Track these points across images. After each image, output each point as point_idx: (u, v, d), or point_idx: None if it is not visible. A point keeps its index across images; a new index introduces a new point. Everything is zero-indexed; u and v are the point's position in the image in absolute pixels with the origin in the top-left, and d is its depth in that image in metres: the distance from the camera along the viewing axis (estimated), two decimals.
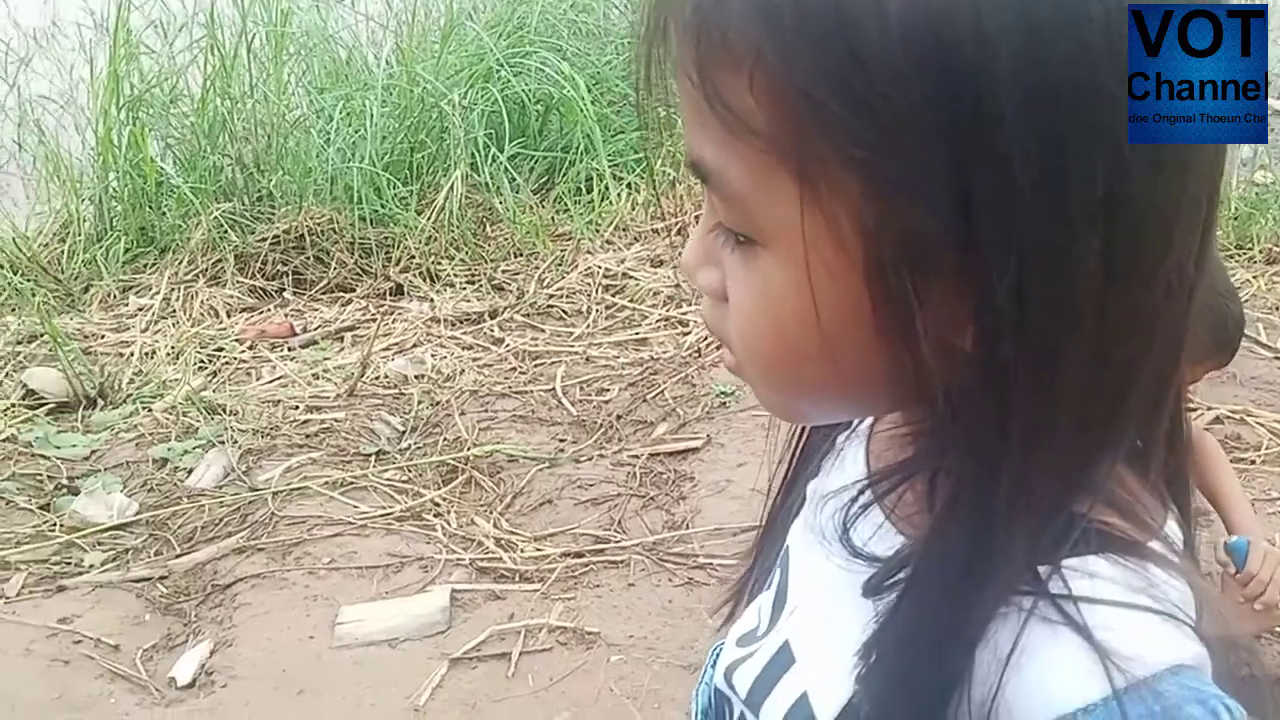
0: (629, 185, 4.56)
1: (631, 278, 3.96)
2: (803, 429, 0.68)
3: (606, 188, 4.48)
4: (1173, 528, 0.53)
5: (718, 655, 0.69)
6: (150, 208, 4.19)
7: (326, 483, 2.74)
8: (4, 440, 2.92)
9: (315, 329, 3.68)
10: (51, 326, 3.26)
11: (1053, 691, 0.45)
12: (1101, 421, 0.47)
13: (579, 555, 2.49)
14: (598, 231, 4.32)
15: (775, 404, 0.54)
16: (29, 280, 3.83)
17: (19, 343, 3.46)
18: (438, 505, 2.68)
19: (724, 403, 3.12)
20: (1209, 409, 2.96)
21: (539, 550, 2.50)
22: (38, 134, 4.46)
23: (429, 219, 4.11)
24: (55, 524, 2.59)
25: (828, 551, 0.56)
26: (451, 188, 4.15)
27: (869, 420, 0.62)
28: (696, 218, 0.56)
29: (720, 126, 0.45)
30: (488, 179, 4.36)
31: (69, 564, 2.47)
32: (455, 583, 2.38)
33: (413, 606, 2.30)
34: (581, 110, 4.54)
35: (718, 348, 3.09)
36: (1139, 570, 0.47)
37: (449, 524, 2.60)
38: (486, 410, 3.15)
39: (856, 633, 0.50)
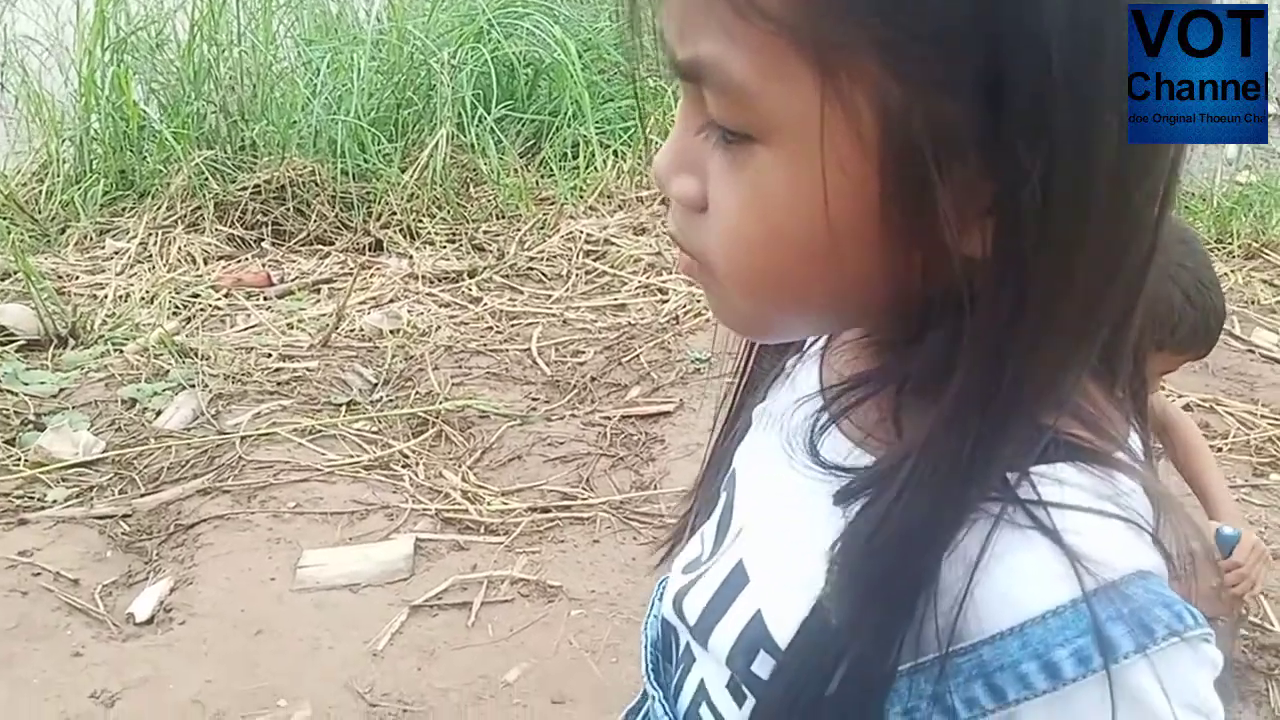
0: (615, 152, 4.55)
1: (613, 244, 3.95)
2: (748, 361, 0.67)
3: (593, 154, 4.47)
4: (1135, 441, 0.53)
5: (664, 586, 0.67)
6: (131, 151, 4.15)
7: (295, 429, 2.73)
8: None
9: (292, 280, 3.65)
10: (25, 264, 3.22)
11: (1021, 595, 0.44)
12: (1082, 327, 0.46)
13: (545, 511, 2.48)
14: (582, 197, 4.31)
15: (748, 315, 0.51)
16: (4, 218, 3.79)
17: None
18: (406, 457, 2.67)
19: (698, 369, 3.12)
20: (1180, 396, 2.99)
21: (505, 504, 2.50)
22: (21, 74, 4.41)
23: (412, 176, 4.08)
24: (20, 458, 2.57)
25: (792, 461, 0.54)
26: (436, 146, 4.13)
27: (821, 343, 0.61)
28: None
29: (727, 10, 0.42)
30: (473, 140, 4.33)
31: (32, 498, 2.45)
32: (420, 532, 2.38)
33: (376, 553, 2.29)
34: (571, 75, 4.52)
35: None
36: (1106, 478, 0.47)
37: (417, 475, 2.59)
38: (460, 367, 3.15)
39: (822, 541, 0.49)
